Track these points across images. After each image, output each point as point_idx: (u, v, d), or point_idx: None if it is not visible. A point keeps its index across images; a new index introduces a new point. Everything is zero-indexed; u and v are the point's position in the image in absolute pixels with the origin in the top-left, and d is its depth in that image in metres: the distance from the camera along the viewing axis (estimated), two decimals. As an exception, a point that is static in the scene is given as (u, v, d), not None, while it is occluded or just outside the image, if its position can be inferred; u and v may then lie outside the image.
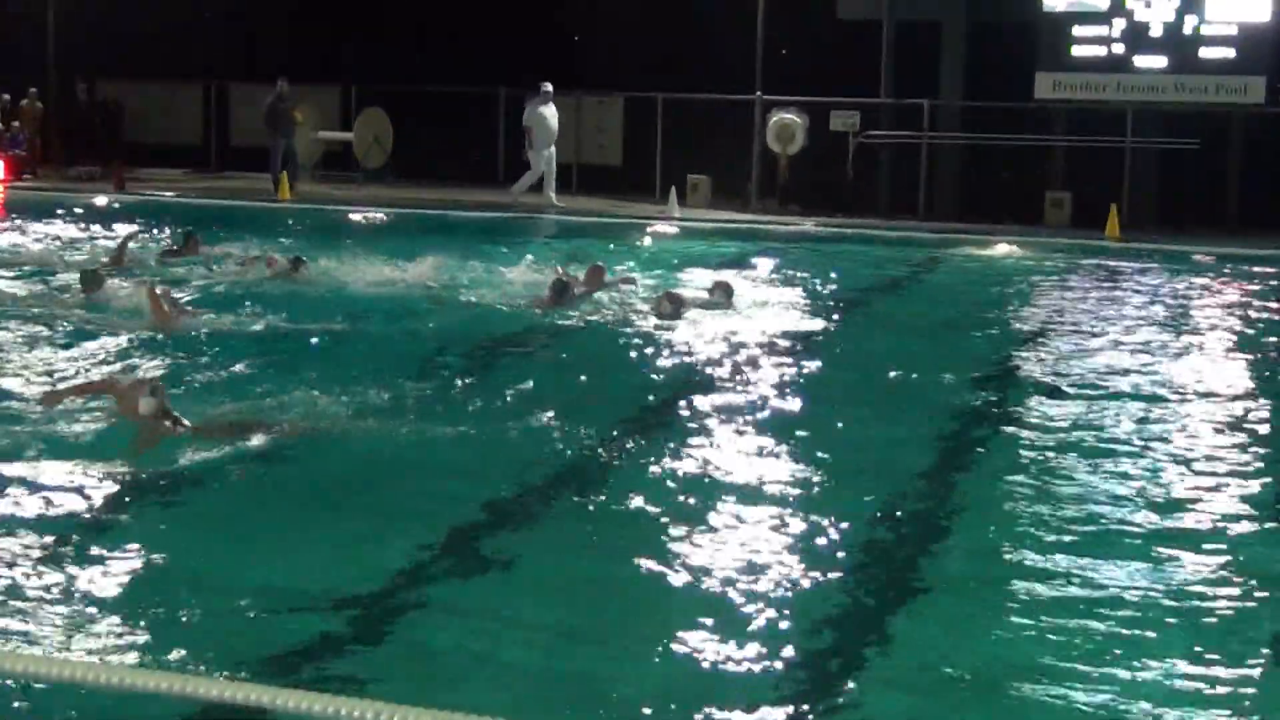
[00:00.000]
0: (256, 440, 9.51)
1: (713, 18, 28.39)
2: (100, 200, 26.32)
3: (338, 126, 30.28)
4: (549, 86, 26.58)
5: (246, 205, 26.35)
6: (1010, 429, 10.93)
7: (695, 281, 17.43)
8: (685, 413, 11.15)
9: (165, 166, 30.96)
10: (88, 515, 8.13)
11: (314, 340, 13.37)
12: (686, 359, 13.18)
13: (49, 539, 7.70)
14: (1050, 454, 10.04)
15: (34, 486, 8.45)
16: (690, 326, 14.46)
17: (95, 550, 7.58)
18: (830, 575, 7.58)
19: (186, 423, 9.60)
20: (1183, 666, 6.49)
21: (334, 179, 29.11)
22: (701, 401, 11.43)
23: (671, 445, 9.97)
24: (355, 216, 24.85)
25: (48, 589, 7.03)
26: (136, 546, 7.67)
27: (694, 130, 27.88)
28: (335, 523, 8.34)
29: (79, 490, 8.47)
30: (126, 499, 8.45)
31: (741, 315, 15.29)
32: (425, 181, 28.98)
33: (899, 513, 8.69)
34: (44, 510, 8.13)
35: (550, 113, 26.54)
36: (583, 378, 12.51)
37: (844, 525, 8.27)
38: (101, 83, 33.25)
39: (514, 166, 29.92)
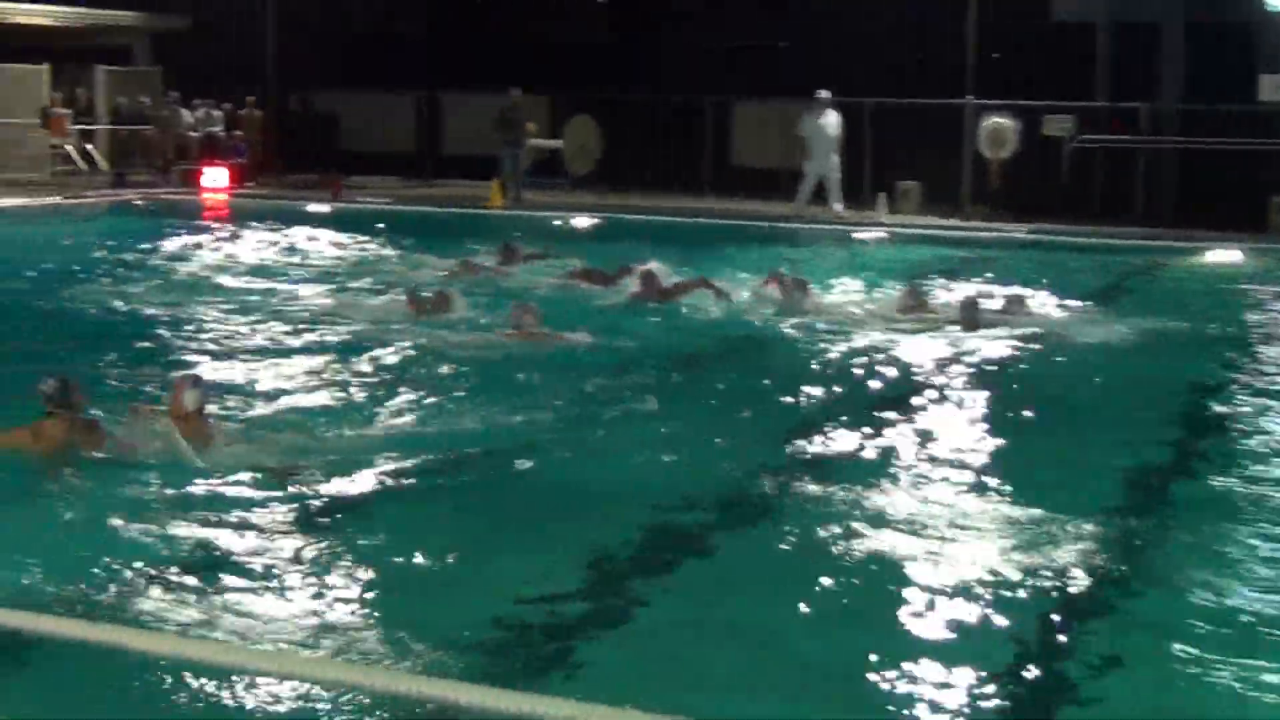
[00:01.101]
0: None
1: (923, 21, 28.15)
2: (319, 208, 26.96)
3: (547, 134, 30.63)
4: (825, 93, 25.98)
5: (462, 212, 26.79)
6: (1240, 450, 10.55)
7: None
8: (918, 422, 11.05)
9: (378, 175, 31.64)
10: (303, 517, 8.23)
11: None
12: (927, 367, 13.12)
13: (270, 538, 7.86)
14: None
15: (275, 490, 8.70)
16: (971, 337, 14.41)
17: (303, 551, 7.69)
18: (1037, 596, 7.30)
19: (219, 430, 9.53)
20: None
21: (541, 186, 29.46)
22: (928, 413, 11.35)
23: (899, 449, 9.92)
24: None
25: (261, 588, 7.15)
26: (353, 547, 7.79)
27: (903, 136, 27.67)
28: (549, 527, 8.38)
29: (308, 490, 8.66)
30: (341, 502, 8.58)
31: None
32: (631, 189, 29.22)
33: (1117, 535, 8.40)
34: (267, 512, 8.29)
35: (829, 122, 25.95)
36: (835, 380, 12.48)
37: (1054, 546, 7.97)
38: (318, 93, 34.11)
39: (720, 174, 30.05)
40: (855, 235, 24.50)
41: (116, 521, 7.93)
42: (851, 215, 25.99)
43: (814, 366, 13.08)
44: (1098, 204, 26.91)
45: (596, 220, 25.78)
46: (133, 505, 8.18)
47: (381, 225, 23.65)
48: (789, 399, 11.72)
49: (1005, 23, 27.29)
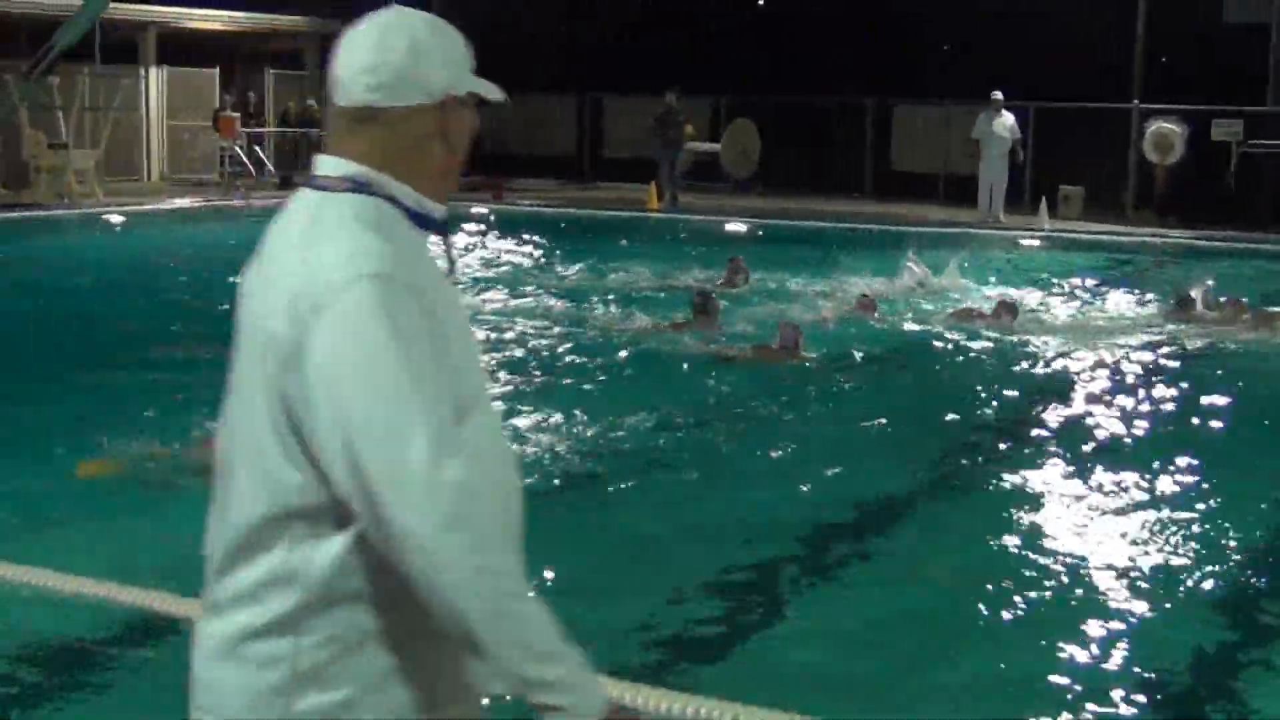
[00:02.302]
0: None
1: (1089, 24, 27.70)
2: (481, 209, 27.22)
3: (707, 138, 30.69)
4: (999, 95, 25.43)
5: (620, 215, 26.89)
6: None
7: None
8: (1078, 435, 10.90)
9: (539, 177, 31.94)
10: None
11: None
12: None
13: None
14: None
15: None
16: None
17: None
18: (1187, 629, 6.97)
19: None
20: None
21: (700, 189, 29.50)
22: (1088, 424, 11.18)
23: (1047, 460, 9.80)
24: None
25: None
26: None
27: (1066, 140, 27.24)
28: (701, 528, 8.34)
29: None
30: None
31: (1120, 331, 14.95)
32: (790, 192, 29.13)
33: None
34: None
35: (1003, 125, 25.50)
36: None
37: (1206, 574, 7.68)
38: (479, 96, 34.47)
39: (880, 178, 29.86)
40: (1022, 241, 24.14)
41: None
42: (1013, 221, 25.63)
43: (1005, 380, 12.89)
44: (1270, 211, 26.22)
45: (754, 224, 25.71)
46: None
47: (544, 227, 23.85)
48: (977, 413, 11.60)
49: (1175, 25, 26.75)
